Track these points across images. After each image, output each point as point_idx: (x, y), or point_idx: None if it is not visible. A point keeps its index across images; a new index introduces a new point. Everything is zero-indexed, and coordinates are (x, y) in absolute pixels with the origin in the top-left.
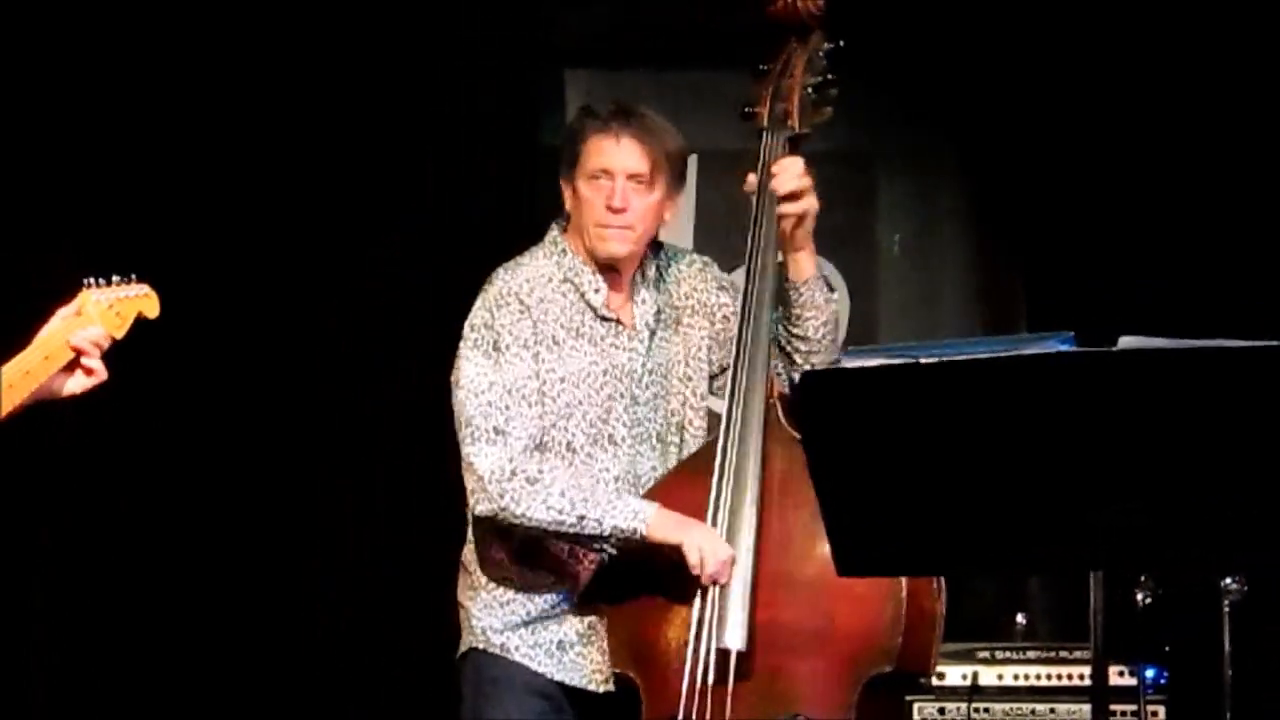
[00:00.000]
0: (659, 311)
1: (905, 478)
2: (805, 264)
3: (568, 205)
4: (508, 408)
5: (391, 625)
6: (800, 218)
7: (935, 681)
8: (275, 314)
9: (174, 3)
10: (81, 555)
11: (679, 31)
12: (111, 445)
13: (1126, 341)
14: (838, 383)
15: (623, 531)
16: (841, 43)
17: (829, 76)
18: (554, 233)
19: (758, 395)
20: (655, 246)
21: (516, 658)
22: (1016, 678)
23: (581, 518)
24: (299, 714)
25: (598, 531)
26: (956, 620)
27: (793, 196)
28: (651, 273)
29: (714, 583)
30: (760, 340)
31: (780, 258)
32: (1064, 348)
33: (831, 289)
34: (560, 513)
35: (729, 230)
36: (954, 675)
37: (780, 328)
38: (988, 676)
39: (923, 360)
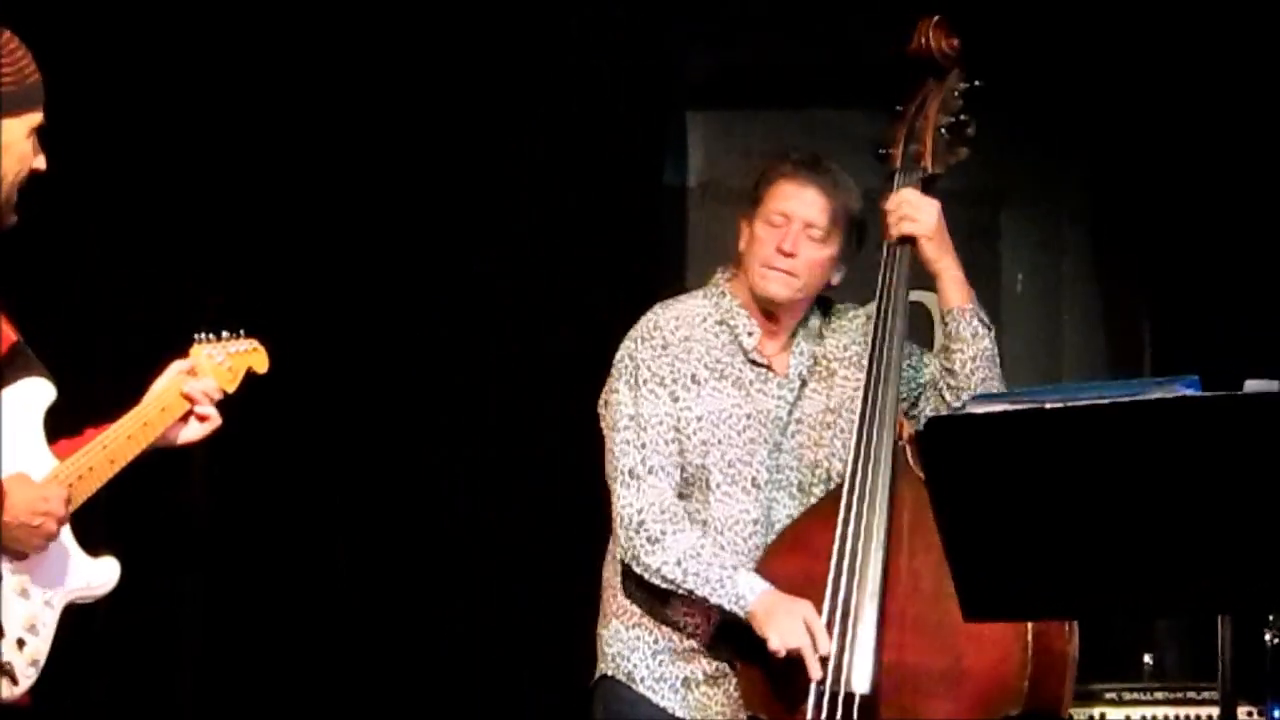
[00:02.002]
0: (814, 363)
1: (1030, 522)
2: (949, 291)
3: (741, 244)
4: (644, 445)
5: (534, 648)
6: (916, 232)
7: None
8: (416, 341)
9: (293, 54)
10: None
11: (804, 71)
12: (261, 452)
13: (1253, 385)
14: (962, 429)
15: (727, 612)
16: (978, 82)
17: (963, 117)
18: (718, 276)
19: (886, 436)
20: (825, 304)
21: (641, 690)
22: (1146, 718)
23: (690, 592)
24: None
25: (705, 605)
26: (1082, 661)
27: (902, 217)
28: (814, 325)
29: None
30: (889, 380)
31: (911, 295)
32: (1189, 391)
33: (987, 324)
34: (674, 582)
35: (861, 267)
36: (1081, 717)
37: (937, 362)
38: (1115, 717)
39: (1047, 405)
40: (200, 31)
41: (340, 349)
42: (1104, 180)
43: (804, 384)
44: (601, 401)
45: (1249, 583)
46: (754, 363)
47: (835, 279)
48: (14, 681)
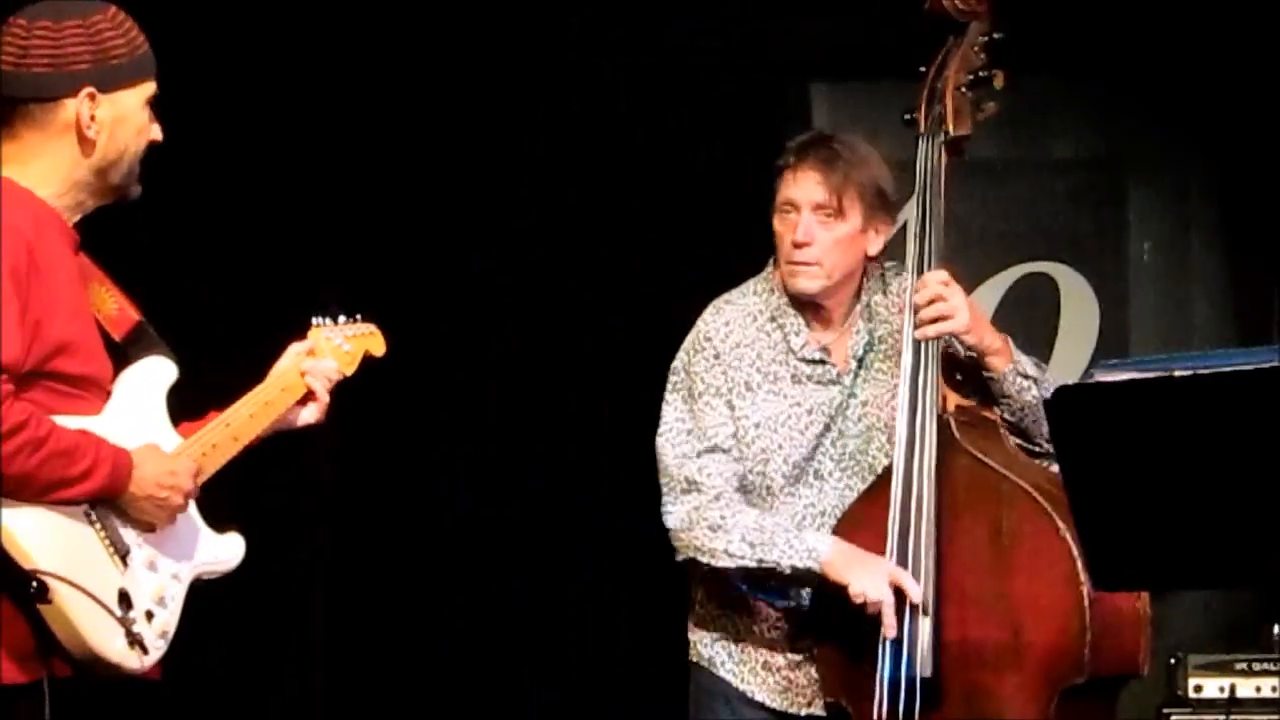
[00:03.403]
0: (874, 342)
1: (1160, 491)
2: (991, 362)
3: (776, 241)
4: (700, 455)
5: (534, 647)
6: (951, 330)
7: (1192, 693)
8: (416, 341)
9: (300, 51)
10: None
11: (925, 42)
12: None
13: None
14: (1091, 397)
15: (800, 570)
16: (998, 34)
17: (984, 73)
18: (769, 268)
19: (929, 412)
20: (879, 271)
21: (722, 673)
22: (1275, 689)
23: (761, 561)
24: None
25: (778, 571)
26: (1213, 631)
27: (935, 316)
28: (871, 300)
29: (885, 629)
30: (930, 353)
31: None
32: None
33: (1031, 375)
34: (742, 558)
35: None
36: (1211, 688)
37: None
38: (1245, 689)
39: (1176, 373)
40: (201, 30)
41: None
42: (1231, 149)
43: (863, 365)
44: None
45: None
46: (807, 359)
47: (873, 249)
48: (145, 651)
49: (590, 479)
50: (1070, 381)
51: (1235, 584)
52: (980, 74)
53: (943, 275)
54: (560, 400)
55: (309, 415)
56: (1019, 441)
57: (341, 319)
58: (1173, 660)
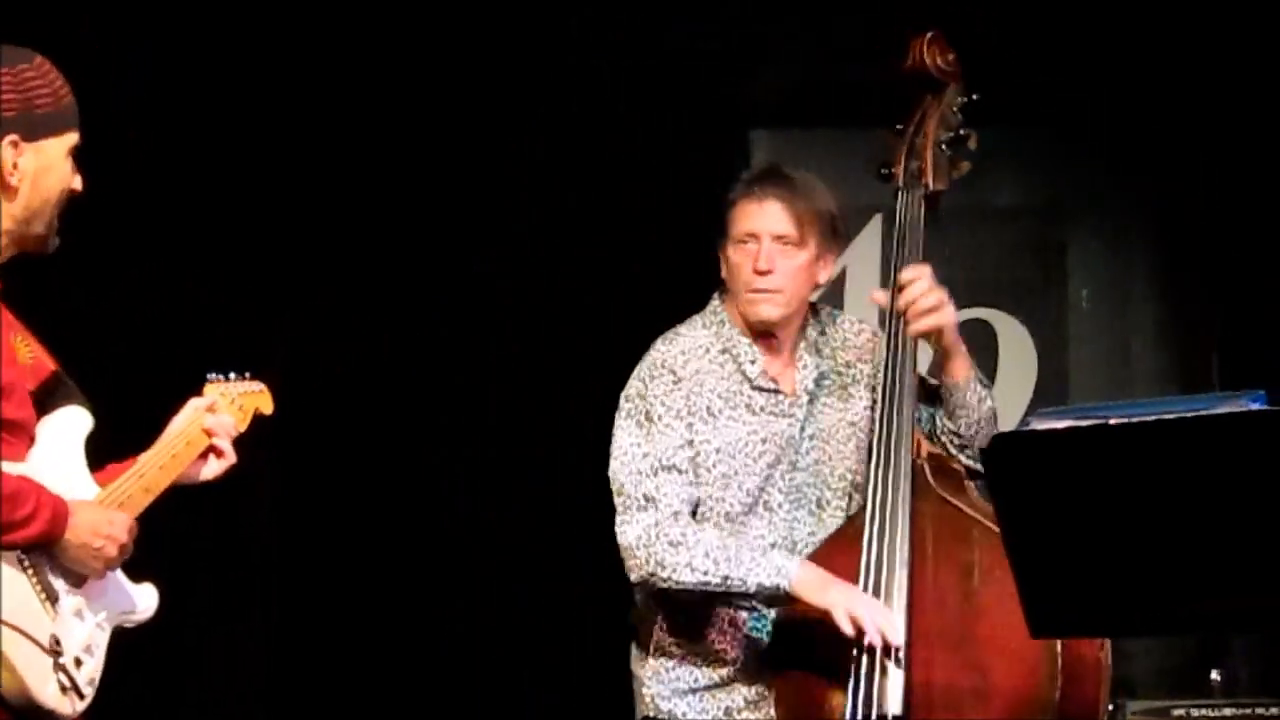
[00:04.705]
0: (821, 376)
1: (1097, 538)
2: (957, 366)
3: (723, 273)
4: (656, 474)
5: (534, 648)
6: (939, 324)
7: None
8: (416, 341)
9: (294, 55)
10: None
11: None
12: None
13: None
14: (1027, 446)
15: (767, 589)
16: (975, 96)
17: (963, 131)
18: (715, 302)
19: (904, 457)
20: (815, 310)
21: None
22: None
23: (726, 577)
24: None
25: (743, 589)
26: (1151, 676)
27: (925, 311)
28: (814, 335)
29: (872, 647)
30: (905, 399)
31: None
32: (1256, 406)
33: (986, 385)
34: (705, 574)
35: None
36: None
37: (941, 421)
38: None
39: (1112, 421)
40: (199, 33)
41: (341, 348)
42: (1171, 196)
43: (813, 399)
44: (613, 440)
45: None
46: (761, 388)
47: (822, 278)
48: (79, 697)
49: (590, 480)
50: (1007, 429)
51: (1172, 631)
52: (959, 133)
53: (928, 270)
54: (560, 401)
55: (211, 470)
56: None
57: (233, 376)
58: (1112, 707)
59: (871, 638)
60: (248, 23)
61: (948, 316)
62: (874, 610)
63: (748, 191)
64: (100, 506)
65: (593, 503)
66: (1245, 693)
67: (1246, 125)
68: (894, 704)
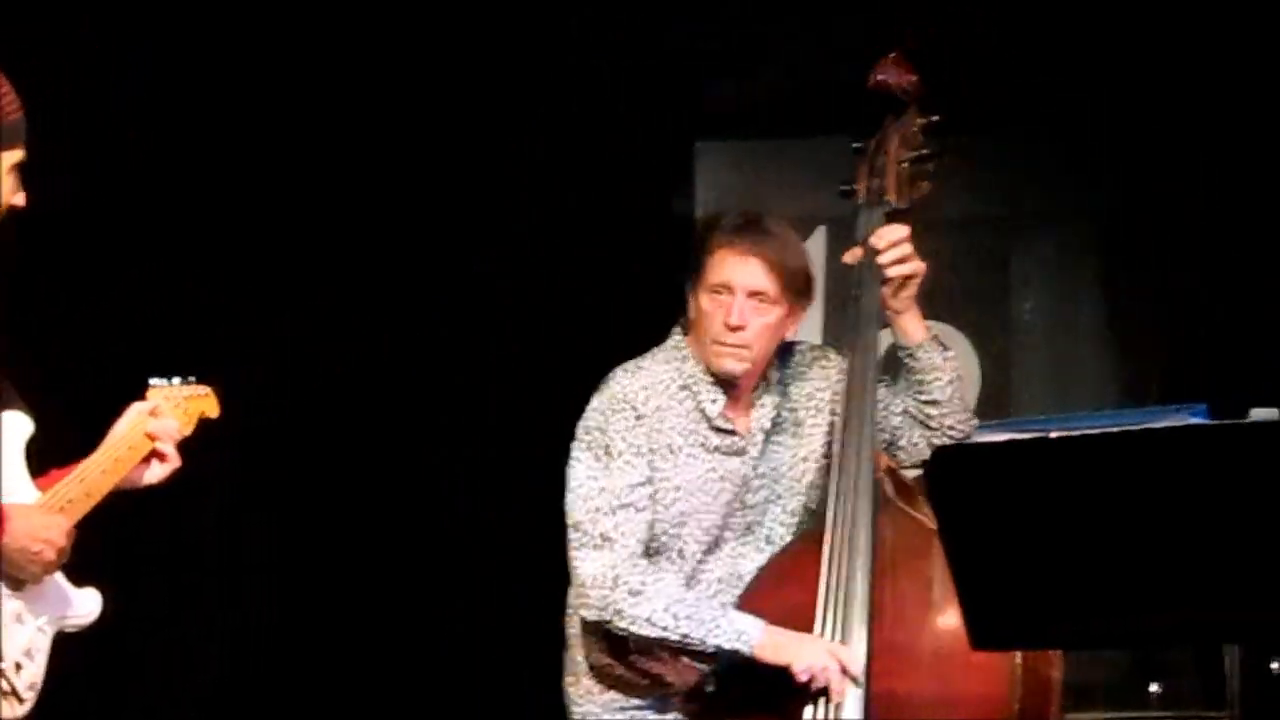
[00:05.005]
0: (777, 416)
1: (1038, 551)
2: (913, 328)
3: (691, 314)
4: (615, 512)
5: (534, 648)
6: (906, 280)
7: None
8: (416, 341)
9: (290, 55)
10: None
11: (812, 100)
12: (259, 450)
13: (1259, 414)
14: (969, 459)
15: (726, 651)
16: (937, 118)
17: (925, 151)
18: (677, 336)
19: (865, 471)
20: (781, 348)
21: None
22: None
23: (685, 635)
24: None
25: (702, 650)
26: (1090, 690)
27: (898, 261)
28: (774, 375)
29: (833, 695)
30: (865, 415)
31: (884, 327)
32: (1197, 420)
33: (947, 347)
34: (665, 629)
35: (840, 302)
36: None
37: (910, 400)
38: None
39: (1053, 435)
40: (199, 33)
41: (341, 349)
42: (1115, 211)
43: (766, 439)
44: (568, 472)
45: (1258, 612)
46: (719, 429)
47: (789, 335)
48: (19, 701)
49: None
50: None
51: (1112, 645)
52: (922, 150)
53: (901, 229)
54: (560, 401)
55: (155, 474)
56: None
57: (177, 380)
58: None
59: (835, 689)
60: (248, 23)
61: (918, 267)
62: (834, 659)
63: (729, 242)
64: (38, 510)
65: None
66: (1185, 705)
67: (1190, 140)
68: (854, 711)
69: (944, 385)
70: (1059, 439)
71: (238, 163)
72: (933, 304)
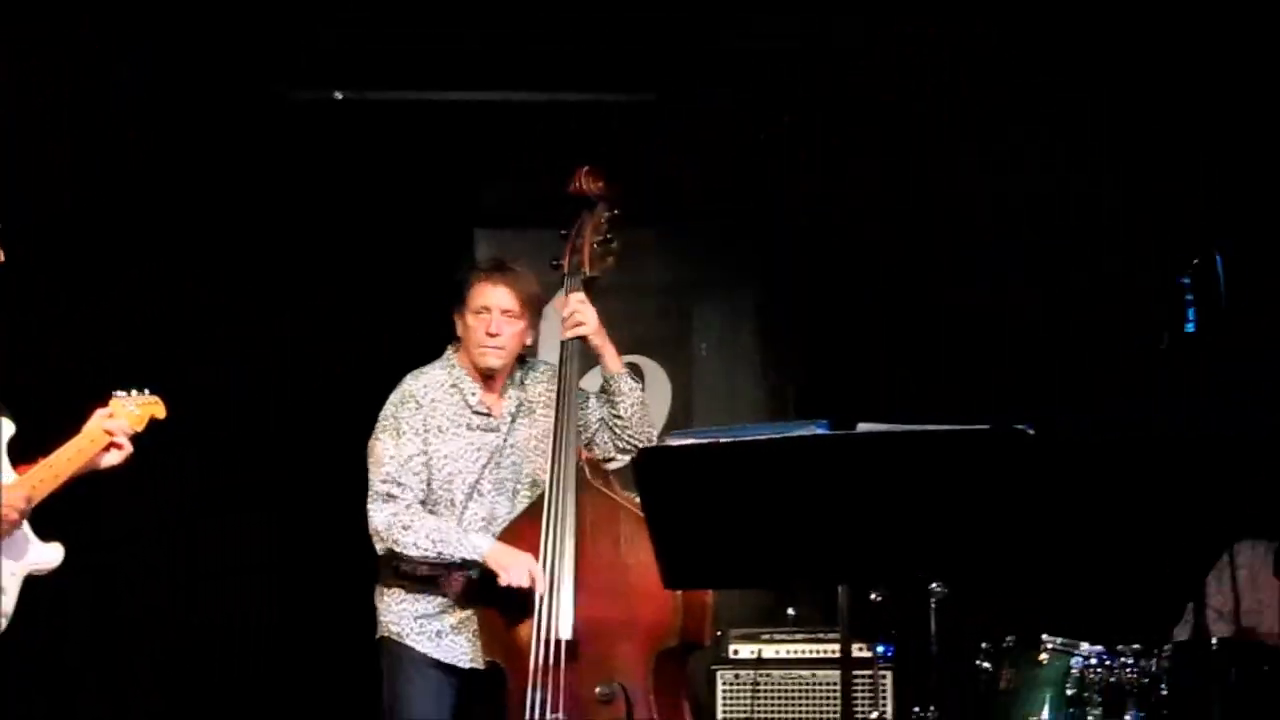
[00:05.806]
0: (519, 405)
1: (713, 521)
2: (611, 361)
3: (459, 331)
4: (399, 474)
5: (326, 615)
6: (578, 329)
7: (731, 655)
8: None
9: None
10: None
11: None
12: (255, 450)
13: (864, 426)
14: (664, 456)
15: (468, 560)
16: (617, 211)
17: (609, 235)
18: (449, 352)
19: (571, 460)
20: (521, 360)
21: (409, 642)
22: (789, 652)
23: (440, 554)
24: (247, 697)
25: (453, 560)
26: (747, 613)
27: (573, 321)
28: (517, 377)
29: (522, 588)
30: (571, 420)
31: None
32: (819, 430)
33: (638, 379)
34: (425, 550)
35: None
36: (745, 651)
37: (605, 412)
38: (769, 652)
39: (720, 440)
40: (199, 33)
41: (341, 348)
42: (766, 279)
43: (513, 420)
44: (370, 446)
45: (858, 563)
46: (478, 412)
47: (529, 340)
48: None
49: None
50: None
51: (760, 585)
52: (607, 235)
53: (581, 296)
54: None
55: (111, 459)
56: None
57: (133, 392)
58: (719, 634)
59: (519, 582)
60: (247, 23)
61: (589, 328)
62: (520, 564)
63: (486, 276)
64: (5, 487)
65: None
66: (811, 624)
67: (819, 210)
68: (566, 631)
69: (629, 405)
70: (724, 443)
71: (237, 163)
72: (639, 344)
